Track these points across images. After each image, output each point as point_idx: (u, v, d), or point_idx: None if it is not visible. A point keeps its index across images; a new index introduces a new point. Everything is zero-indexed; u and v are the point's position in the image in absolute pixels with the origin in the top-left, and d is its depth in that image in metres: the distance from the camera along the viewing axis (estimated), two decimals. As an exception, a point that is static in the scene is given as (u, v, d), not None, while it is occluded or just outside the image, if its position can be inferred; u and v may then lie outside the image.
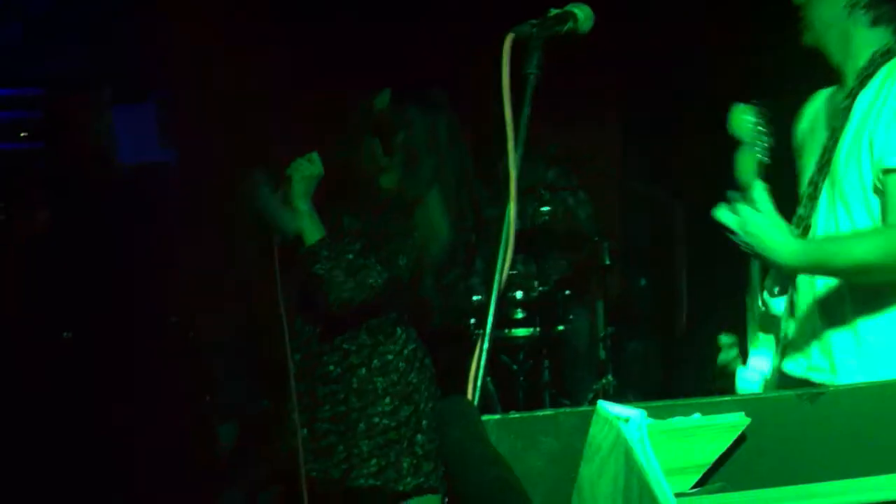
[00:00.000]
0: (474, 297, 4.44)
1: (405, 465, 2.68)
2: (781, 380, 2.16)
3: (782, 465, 1.49)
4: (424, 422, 2.73)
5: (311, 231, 2.66)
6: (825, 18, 2.10)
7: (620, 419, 1.34)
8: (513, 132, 1.61)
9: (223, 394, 4.84)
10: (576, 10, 1.71)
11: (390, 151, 2.73)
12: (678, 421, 1.42)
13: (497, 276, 1.66)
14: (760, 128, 1.96)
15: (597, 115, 5.74)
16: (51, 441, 4.11)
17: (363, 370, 2.74)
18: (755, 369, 2.13)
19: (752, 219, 1.90)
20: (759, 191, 1.92)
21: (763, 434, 1.48)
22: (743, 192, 1.95)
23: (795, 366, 2.19)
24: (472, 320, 4.44)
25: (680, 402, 1.48)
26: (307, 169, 2.64)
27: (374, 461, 2.67)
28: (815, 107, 2.29)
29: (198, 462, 4.59)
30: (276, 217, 2.71)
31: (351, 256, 2.65)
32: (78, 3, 4.80)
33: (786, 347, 2.19)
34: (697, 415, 1.43)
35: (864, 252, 1.95)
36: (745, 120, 1.96)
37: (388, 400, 2.71)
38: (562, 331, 4.87)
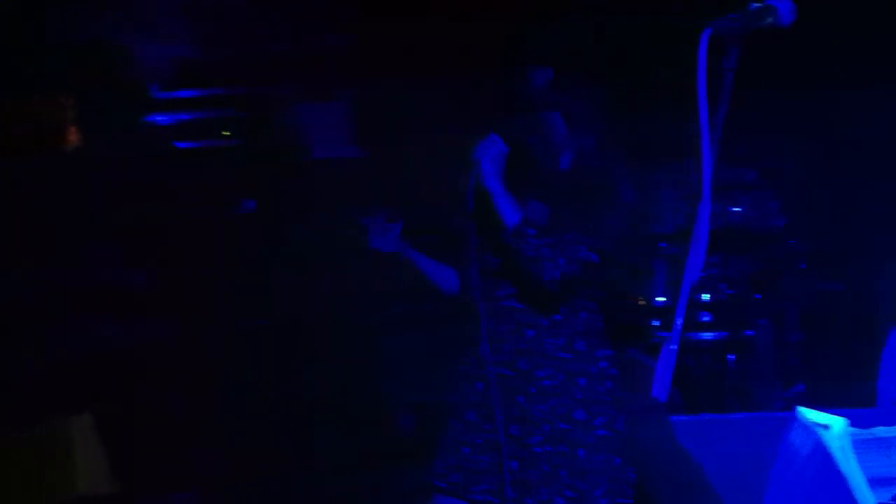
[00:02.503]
0: (658, 299, 4.37)
1: (631, 476, 2.55)
2: None
3: None
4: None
5: (511, 211, 2.52)
6: None
7: (820, 426, 1.30)
8: (707, 131, 1.57)
9: (401, 383, 4.94)
10: (776, 5, 1.66)
11: (568, 128, 2.63)
12: (881, 430, 1.37)
13: (686, 277, 1.63)
14: None
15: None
16: (244, 422, 4.30)
17: (583, 380, 2.59)
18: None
19: None
20: None
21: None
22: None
23: None
24: (657, 321, 4.38)
25: (883, 411, 1.43)
26: (493, 149, 2.54)
27: (599, 476, 2.52)
28: None
29: (377, 446, 4.71)
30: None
31: (551, 234, 2.51)
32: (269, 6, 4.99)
33: None
34: (902, 425, 1.37)
35: None
36: None
37: (607, 411, 2.57)
38: (749, 335, 4.74)
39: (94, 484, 3.87)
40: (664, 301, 4.41)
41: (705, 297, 4.67)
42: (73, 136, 4.05)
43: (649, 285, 4.45)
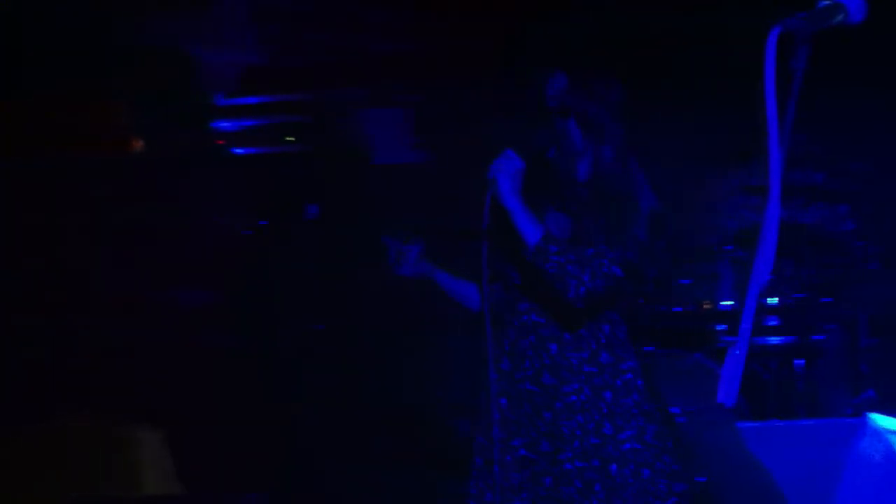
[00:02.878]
0: (725, 303, 4.31)
1: (662, 488, 2.50)
2: None
3: None
4: (669, 442, 2.54)
5: (531, 229, 2.46)
6: None
7: (891, 432, 1.27)
8: (777, 132, 1.54)
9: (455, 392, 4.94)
10: (846, 2, 1.62)
11: (584, 135, 2.57)
12: (958, 438, 1.33)
13: (753, 280, 1.60)
14: None
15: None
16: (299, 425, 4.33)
17: (609, 393, 2.54)
18: None
19: None
20: None
21: None
22: None
23: None
24: (723, 326, 4.32)
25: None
26: (509, 166, 2.47)
27: (629, 489, 2.48)
28: None
29: (433, 449, 4.71)
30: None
31: (574, 249, 2.46)
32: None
33: None
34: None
35: None
36: None
37: (634, 423, 2.51)
38: (818, 340, 4.65)
39: (162, 483, 3.94)
40: (731, 305, 4.35)
41: (773, 301, 4.60)
42: (137, 141, 4.12)
43: (715, 289, 4.39)
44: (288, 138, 5.48)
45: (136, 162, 4.08)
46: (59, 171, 3.90)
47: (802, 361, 4.66)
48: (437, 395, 4.76)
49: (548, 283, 2.46)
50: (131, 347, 3.92)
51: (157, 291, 4.01)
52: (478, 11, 4.51)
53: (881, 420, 1.33)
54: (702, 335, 4.25)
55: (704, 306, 4.26)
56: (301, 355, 4.58)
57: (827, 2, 1.62)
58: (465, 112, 4.91)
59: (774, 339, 4.61)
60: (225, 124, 5.37)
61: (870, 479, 1.32)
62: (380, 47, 4.92)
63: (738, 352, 1.58)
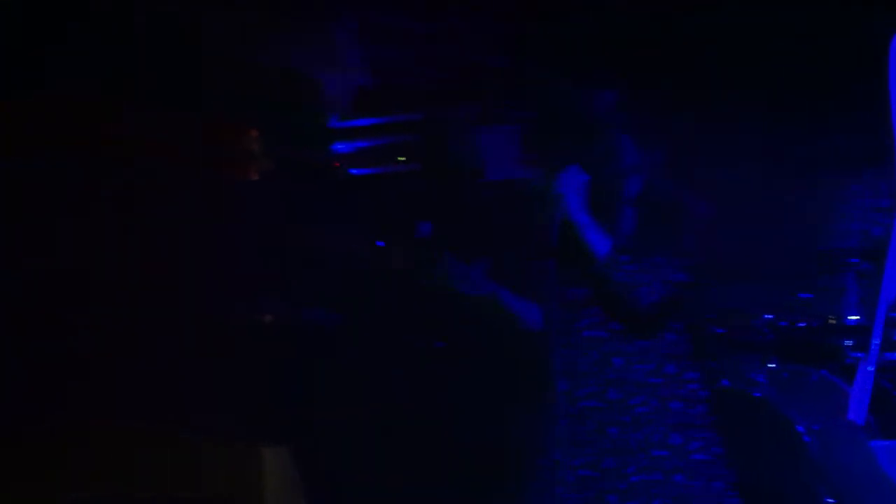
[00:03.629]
0: (851, 318, 4.17)
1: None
2: None
3: None
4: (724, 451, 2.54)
5: (601, 240, 2.53)
6: None
7: None
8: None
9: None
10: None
11: (637, 148, 2.62)
12: None
13: (883, 294, 1.55)
14: None
15: None
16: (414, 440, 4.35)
17: (676, 403, 2.54)
18: None
19: None
20: None
21: None
22: None
23: None
24: (850, 342, 4.17)
25: None
26: (575, 181, 2.55)
27: (696, 501, 2.47)
28: None
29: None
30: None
31: (640, 259, 2.51)
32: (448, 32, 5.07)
33: None
34: None
35: None
36: None
37: (701, 434, 2.52)
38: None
39: (289, 498, 4.00)
40: (857, 319, 4.19)
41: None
42: (258, 164, 4.20)
43: (840, 303, 4.25)
44: (399, 158, 5.55)
45: (260, 184, 4.17)
46: (182, 193, 4.02)
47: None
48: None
49: (620, 294, 2.49)
50: (255, 367, 4.00)
51: (281, 311, 4.08)
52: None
53: None
54: (828, 351, 4.11)
55: (830, 321, 4.12)
56: (422, 372, 4.62)
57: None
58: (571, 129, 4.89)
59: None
60: (341, 146, 5.47)
61: None
62: (495, 62, 4.95)
63: (868, 368, 1.53)
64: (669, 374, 2.54)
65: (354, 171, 5.41)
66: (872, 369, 1.51)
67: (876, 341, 1.54)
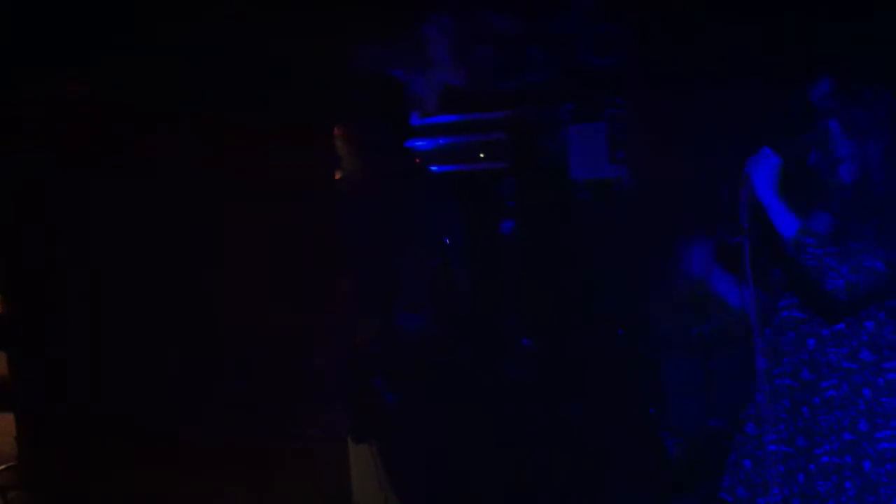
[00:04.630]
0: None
1: None
2: None
3: None
4: None
5: (787, 221, 2.51)
6: None
7: None
8: None
9: (672, 409, 4.86)
10: None
11: (849, 139, 2.58)
12: None
13: None
14: None
15: None
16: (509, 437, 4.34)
17: (868, 390, 2.54)
18: None
19: None
20: None
21: None
22: None
23: None
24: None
25: None
26: (765, 162, 2.53)
27: (884, 489, 2.47)
28: None
29: (643, 473, 4.65)
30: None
31: (835, 243, 2.50)
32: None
33: None
34: None
35: None
36: None
37: (894, 423, 2.50)
38: None
39: (366, 497, 4.03)
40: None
41: None
42: (346, 167, 4.21)
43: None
44: (480, 155, 5.53)
45: (346, 184, 4.19)
46: (270, 197, 4.05)
47: None
48: (656, 416, 4.71)
49: (806, 276, 2.48)
50: (344, 369, 4.02)
51: (370, 312, 4.09)
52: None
53: None
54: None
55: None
56: (510, 371, 4.61)
57: None
58: (674, 123, 4.84)
59: None
60: (421, 143, 5.47)
61: None
62: (588, 60, 4.91)
63: None
64: (864, 361, 2.53)
65: (437, 168, 5.41)
66: None
67: None
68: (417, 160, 5.35)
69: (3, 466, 4.21)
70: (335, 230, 4.06)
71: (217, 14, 3.89)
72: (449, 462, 3.86)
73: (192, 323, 3.77)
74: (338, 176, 4.19)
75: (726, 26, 4.36)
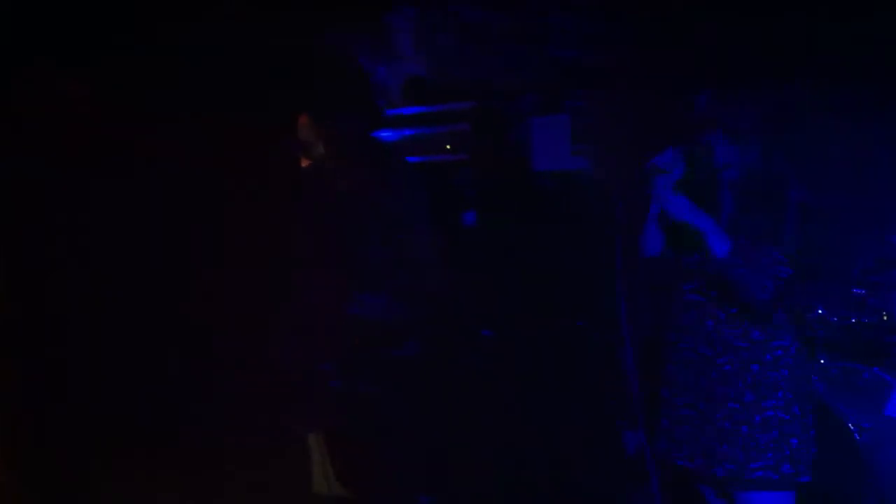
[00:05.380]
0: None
1: (801, 457, 2.74)
2: None
3: None
4: (808, 419, 2.79)
5: (720, 243, 2.71)
6: None
7: None
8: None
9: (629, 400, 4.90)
10: None
11: (732, 144, 2.78)
12: None
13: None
14: None
15: None
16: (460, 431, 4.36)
17: (756, 366, 2.78)
18: None
19: None
20: None
21: None
22: None
23: None
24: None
25: None
26: (668, 162, 2.73)
27: (770, 454, 2.73)
28: None
29: (602, 462, 4.68)
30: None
31: (748, 259, 2.70)
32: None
33: None
34: None
35: None
36: None
37: (780, 394, 2.76)
38: None
39: (328, 486, 4.03)
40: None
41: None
42: (312, 156, 4.20)
43: (894, 299, 4.19)
44: (446, 147, 5.55)
45: (313, 173, 4.18)
46: (237, 186, 4.04)
47: None
48: (610, 407, 4.75)
49: (735, 288, 2.71)
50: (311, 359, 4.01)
51: (331, 302, 4.09)
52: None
53: None
54: (879, 348, 4.07)
55: (884, 318, 4.08)
56: (470, 361, 4.63)
57: None
58: (624, 120, 4.88)
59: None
60: (388, 134, 5.47)
61: None
62: (546, 54, 4.94)
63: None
64: (755, 340, 2.78)
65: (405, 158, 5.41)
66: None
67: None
68: (385, 149, 5.35)
69: None
70: (299, 219, 4.05)
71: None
72: (401, 452, 3.88)
73: (162, 318, 3.78)
74: (304, 164, 4.17)
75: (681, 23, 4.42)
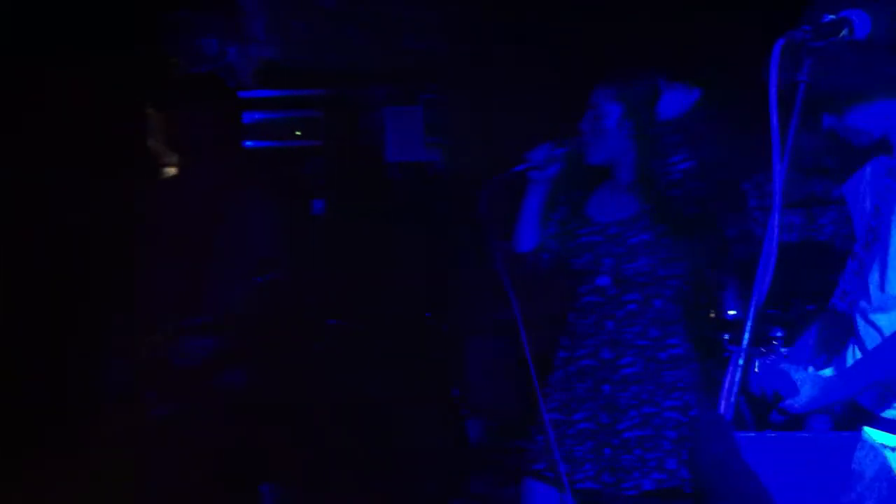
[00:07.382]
0: (730, 312, 4.29)
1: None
2: None
3: None
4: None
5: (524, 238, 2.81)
6: None
7: (888, 448, 1.27)
8: (779, 142, 1.56)
9: (474, 390, 4.95)
10: (852, 17, 1.64)
11: (621, 136, 2.75)
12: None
13: (756, 291, 1.61)
14: None
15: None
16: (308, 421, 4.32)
17: (653, 364, 2.70)
18: None
19: None
20: None
21: None
22: None
23: None
24: (726, 336, 4.29)
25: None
26: (544, 156, 2.73)
27: (675, 459, 2.61)
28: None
29: (445, 452, 4.72)
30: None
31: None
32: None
33: None
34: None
35: None
36: None
37: (677, 395, 2.66)
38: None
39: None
40: (735, 314, 4.32)
41: (776, 311, 4.55)
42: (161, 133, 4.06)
43: (722, 298, 4.37)
44: (296, 133, 5.47)
45: (158, 156, 4.04)
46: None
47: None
48: (457, 395, 4.78)
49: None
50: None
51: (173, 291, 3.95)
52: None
53: (877, 435, 1.34)
54: (709, 345, 4.23)
55: (710, 315, 4.25)
56: (316, 351, 4.58)
57: (831, 16, 1.63)
58: (485, 113, 4.91)
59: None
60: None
61: (863, 494, 1.32)
62: (402, 44, 4.93)
63: (739, 362, 1.59)
64: (653, 337, 2.69)
65: (250, 143, 5.31)
66: (742, 363, 1.58)
67: (746, 336, 1.60)
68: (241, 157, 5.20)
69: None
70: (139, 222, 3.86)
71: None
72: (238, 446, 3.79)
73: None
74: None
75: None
